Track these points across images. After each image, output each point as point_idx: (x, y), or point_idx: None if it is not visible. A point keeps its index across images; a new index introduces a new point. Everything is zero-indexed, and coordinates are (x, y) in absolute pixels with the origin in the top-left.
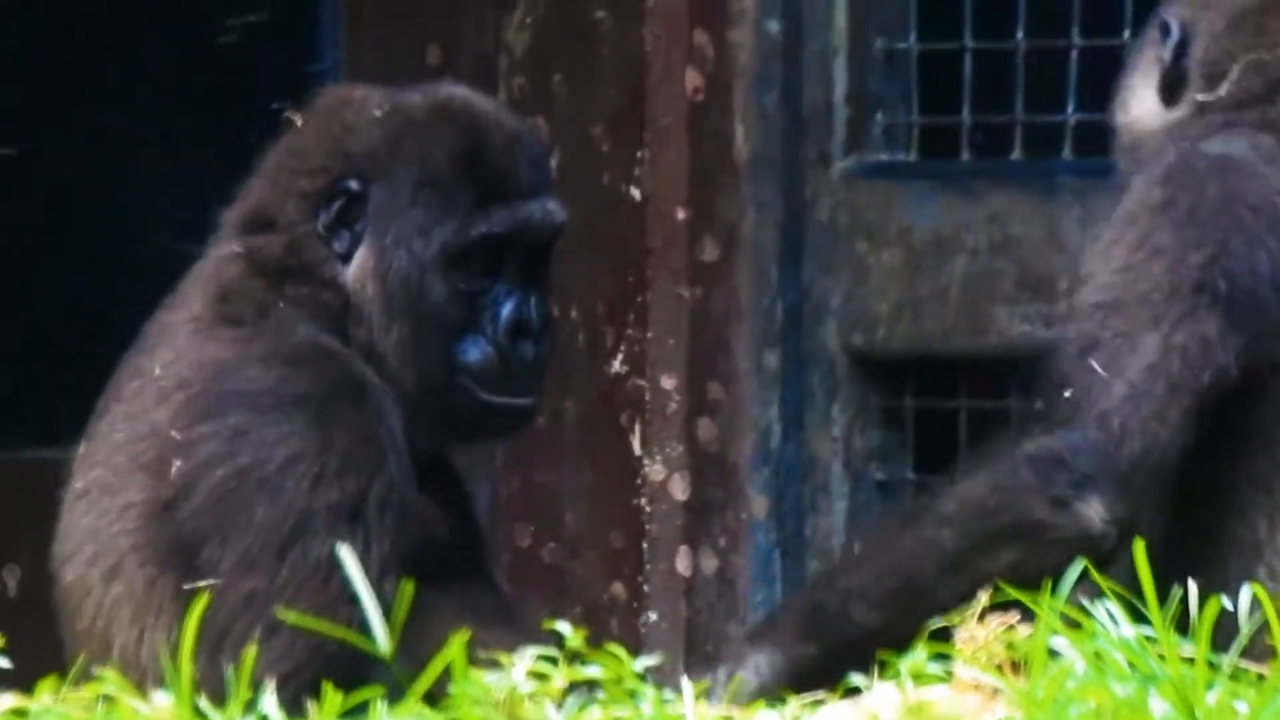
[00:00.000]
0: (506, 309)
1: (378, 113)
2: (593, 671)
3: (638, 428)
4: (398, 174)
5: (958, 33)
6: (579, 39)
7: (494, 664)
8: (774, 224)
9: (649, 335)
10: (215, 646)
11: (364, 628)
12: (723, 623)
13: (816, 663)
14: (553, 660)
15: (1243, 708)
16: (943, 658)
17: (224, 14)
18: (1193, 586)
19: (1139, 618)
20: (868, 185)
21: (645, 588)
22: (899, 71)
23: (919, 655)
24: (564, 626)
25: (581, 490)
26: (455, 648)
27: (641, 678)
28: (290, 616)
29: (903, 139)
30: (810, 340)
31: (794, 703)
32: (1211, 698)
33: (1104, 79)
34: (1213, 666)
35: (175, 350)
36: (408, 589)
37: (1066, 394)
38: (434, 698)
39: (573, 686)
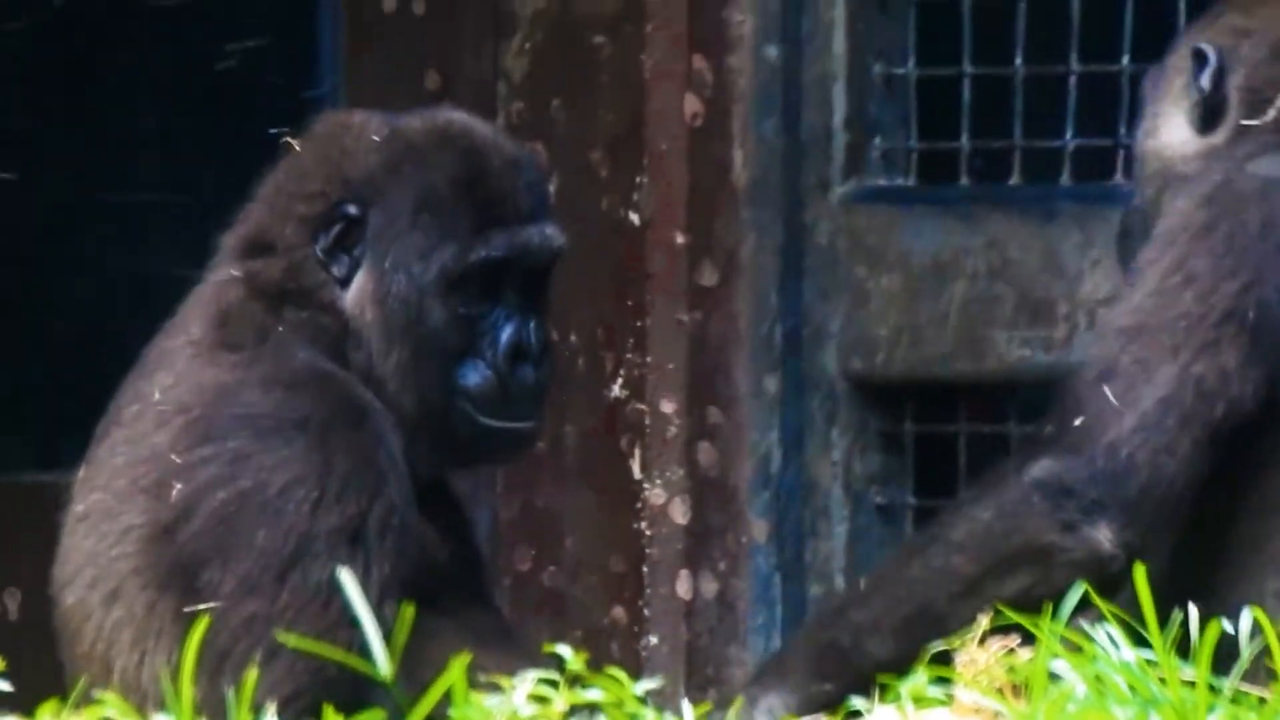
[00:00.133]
0: (506, 333)
1: (376, 137)
2: (593, 695)
3: (638, 452)
4: (396, 198)
5: (956, 58)
6: (578, 65)
7: (494, 687)
8: (773, 248)
9: (649, 359)
10: (216, 670)
11: (364, 651)
12: (723, 646)
13: (834, 700)
14: (553, 684)
15: None
16: (943, 681)
17: (223, 39)
18: (1193, 610)
19: (1140, 641)
20: (867, 210)
21: (646, 611)
22: (898, 97)
23: (920, 678)
24: (564, 650)
25: (582, 514)
26: (456, 671)
27: (642, 701)
28: (291, 640)
29: (902, 164)
30: (810, 364)
31: None
32: None
33: (1103, 104)
34: (1214, 690)
35: (175, 374)
36: (408, 612)
37: (1078, 420)
38: None
39: (573, 710)
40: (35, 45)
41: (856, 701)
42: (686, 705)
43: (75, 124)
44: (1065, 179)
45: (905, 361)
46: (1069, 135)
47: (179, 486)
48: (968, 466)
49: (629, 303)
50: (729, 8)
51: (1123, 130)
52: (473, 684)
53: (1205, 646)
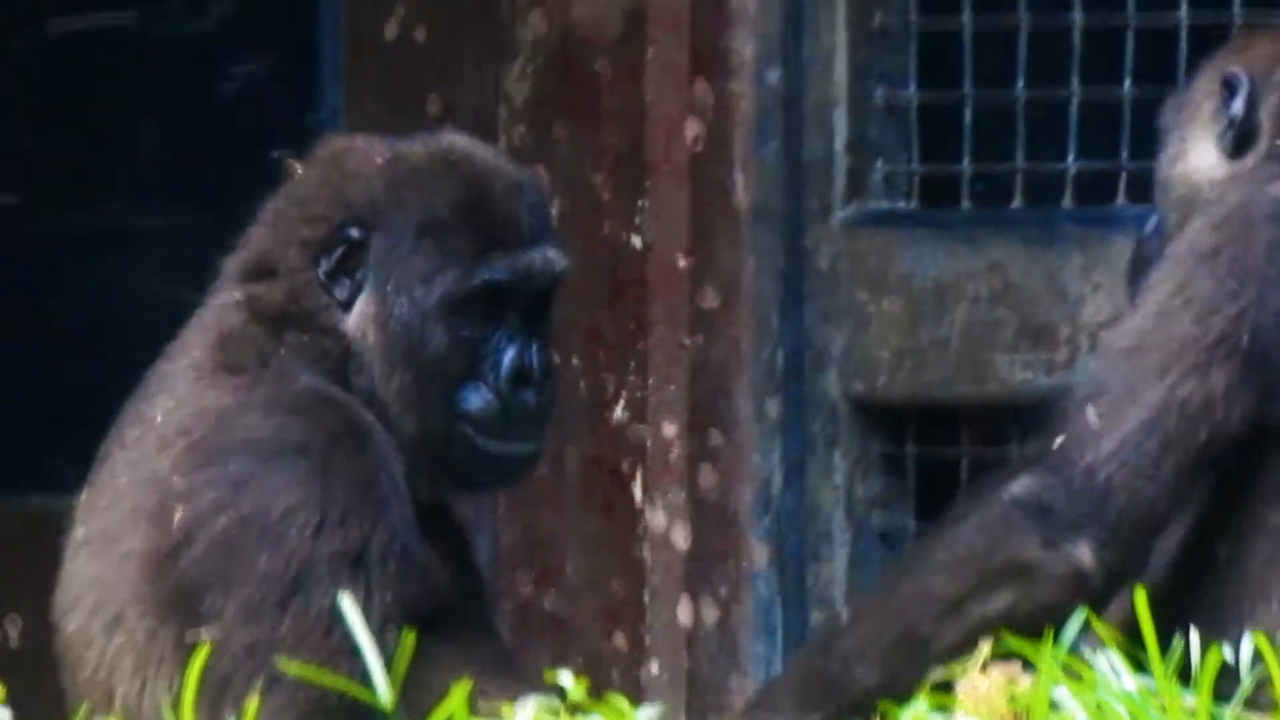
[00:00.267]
0: (508, 356)
1: (379, 161)
2: None
3: (639, 475)
4: (399, 222)
5: (958, 82)
6: (579, 89)
7: (495, 714)
8: (775, 272)
9: (650, 383)
10: (217, 697)
11: (365, 678)
12: (724, 673)
13: None
14: (554, 710)
15: None
16: (944, 709)
17: (225, 63)
18: (1194, 636)
19: (1141, 667)
20: (868, 234)
21: (646, 637)
22: (899, 120)
23: (920, 706)
24: (565, 676)
25: (582, 538)
26: (457, 698)
27: None
28: (292, 667)
29: (903, 188)
30: (811, 388)
31: None
32: None
33: (1104, 129)
34: (1214, 717)
35: (176, 398)
36: (409, 638)
37: (1059, 440)
38: None
39: None
40: (37, 69)
41: None
42: None
43: (77, 147)
44: (1067, 203)
45: (907, 385)
46: (1071, 159)
47: (180, 511)
48: (969, 490)
49: (630, 326)
50: (730, 32)
51: (1124, 154)
52: (473, 710)
53: (1206, 674)
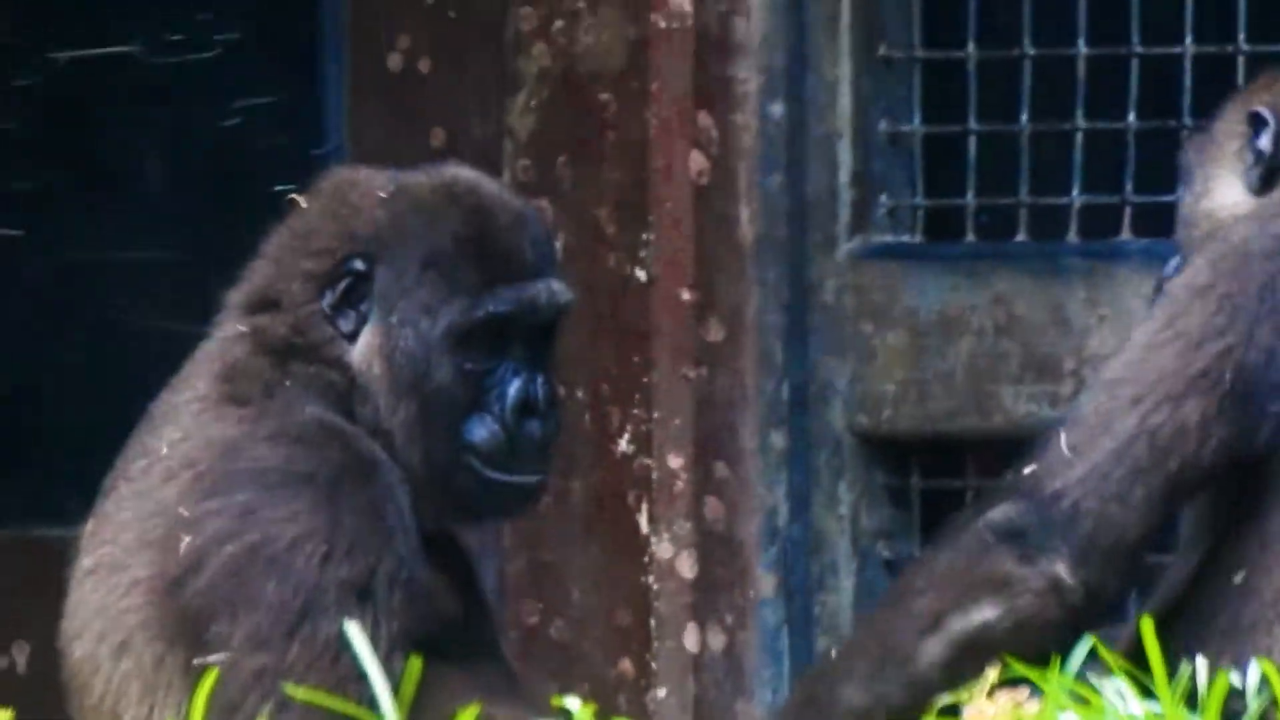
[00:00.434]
0: (513, 388)
1: (383, 194)
2: None
3: (645, 506)
4: (403, 254)
5: (962, 115)
6: (583, 122)
7: None
8: (779, 305)
9: (655, 415)
10: None
11: (373, 704)
12: (730, 700)
13: None
14: None
15: None
16: None
17: (228, 97)
18: (1201, 662)
19: (1149, 693)
20: (873, 267)
21: (653, 665)
22: (903, 154)
23: None
24: (572, 701)
25: (589, 568)
26: None
27: None
28: (300, 693)
29: (908, 221)
30: (816, 420)
31: None
32: None
33: (1109, 162)
34: None
35: (182, 429)
36: (416, 665)
37: (1032, 467)
38: None
39: None
40: (41, 102)
41: None
42: None
43: (81, 181)
44: (1071, 236)
45: (912, 417)
46: (1075, 192)
47: (187, 540)
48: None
49: (635, 359)
50: (734, 65)
51: (1129, 187)
52: None
53: (1213, 700)
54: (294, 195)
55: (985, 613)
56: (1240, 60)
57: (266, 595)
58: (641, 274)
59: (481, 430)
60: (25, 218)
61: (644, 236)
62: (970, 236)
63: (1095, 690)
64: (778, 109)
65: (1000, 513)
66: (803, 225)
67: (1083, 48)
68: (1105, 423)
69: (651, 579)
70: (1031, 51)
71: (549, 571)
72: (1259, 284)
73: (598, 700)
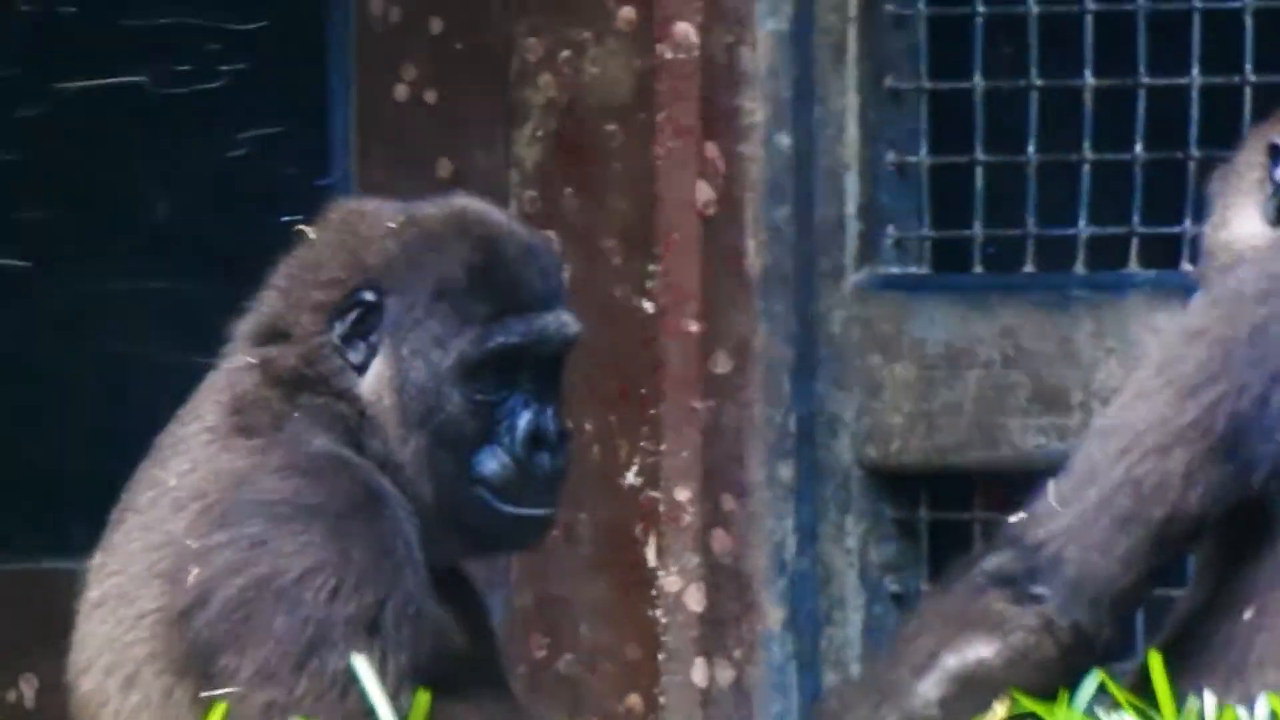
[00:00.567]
0: (523, 420)
1: (392, 225)
2: None
3: (652, 539)
4: (413, 286)
5: (969, 146)
6: (589, 153)
7: None
8: (786, 337)
9: (663, 448)
10: None
11: None
12: None
13: None
14: None
15: None
16: None
17: (234, 128)
18: (1209, 697)
19: None
20: (880, 298)
21: (661, 699)
22: (910, 185)
23: None
24: None
25: (597, 602)
26: None
27: None
28: None
29: (915, 252)
30: (824, 453)
31: None
32: None
33: (1116, 193)
34: None
35: (191, 460)
36: (424, 700)
37: (1019, 516)
38: None
39: None
40: (48, 133)
41: None
42: None
43: (87, 212)
44: (1079, 267)
45: (919, 450)
46: (1082, 224)
47: (196, 572)
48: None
49: (642, 391)
50: (741, 96)
51: (1136, 218)
52: None
53: None
54: (302, 226)
55: (980, 650)
56: (1247, 91)
57: (275, 628)
58: (648, 305)
59: (492, 462)
60: (32, 249)
61: (650, 268)
62: (978, 268)
63: None
64: (784, 140)
65: (993, 560)
66: (810, 256)
67: (1090, 79)
68: (1092, 473)
69: (659, 613)
70: (1038, 83)
71: (556, 605)
72: (1250, 328)
73: None
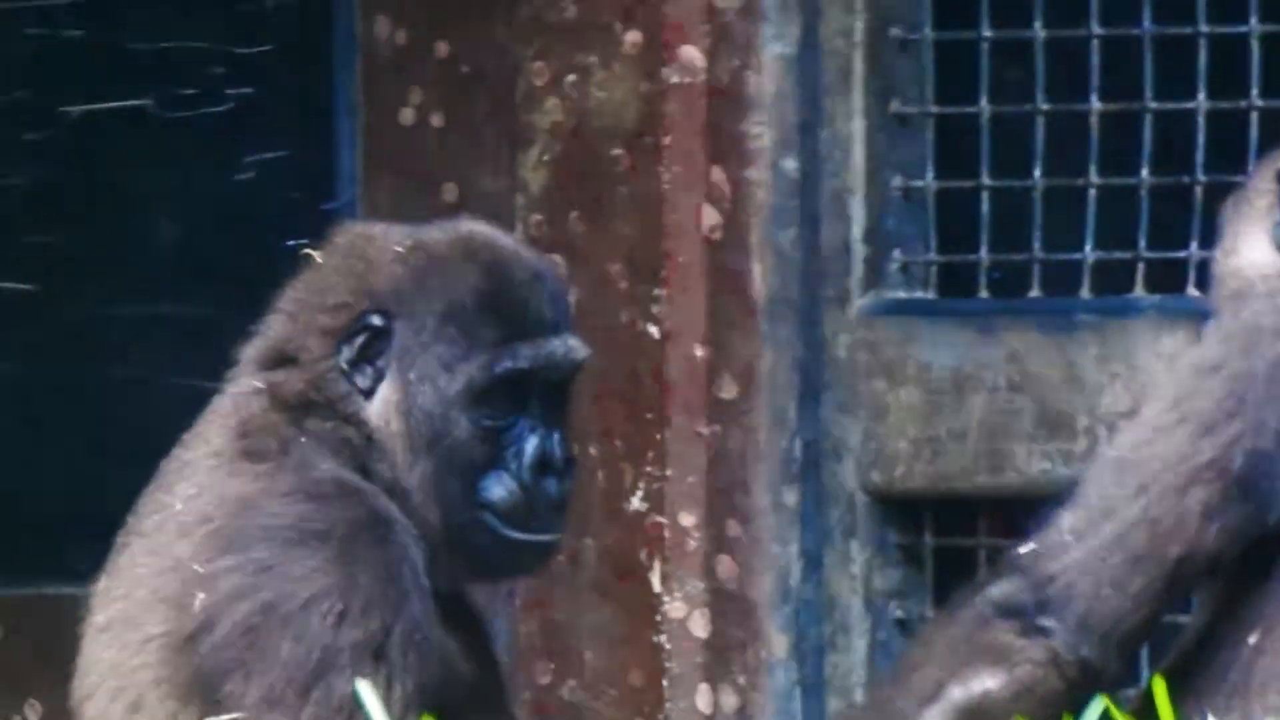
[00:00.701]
0: (530, 445)
1: (400, 249)
2: None
3: (657, 565)
4: (421, 310)
5: (975, 171)
6: (596, 177)
7: None
8: (792, 362)
9: (668, 473)
10: None
11: None
12: None
13: None
14: None
15: None
16: None
17: (241, 152)
18: None
19: None
20: (886, 323)
21: None
22: (916, 210)
23: None
24: None
25: (601, 628)
26: None
27: None
28: None
29: (920, 277)
30: (829, 478)
31: None
32: None
33: (1122, 218)
34: None
35: (196, 485)
36: None
37: (1031, 546)
38: None
39: None
40: (53, 157)
41: None
42: None
43: (93, 236)
44: (1085, 292)
45: (924, 475)
46: (1088, 249)
47: (201, 596)
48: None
49: (648, 416)
50: (747, 121)
51: (1142, 243)
52: None
53: None
54: (309, 249)
55: (986, 682)
56: (1253, 116)
57: (281, 654)
58: (654, 330)
59: (499, 488)
60: (38, 272)
61: (656, 292)
62: (983, 293)
63: None
64: (790, 164)
65: (999, 589)
66: (816, 281)
67: (1095, 103)
68: (1107, 508)
69: (664, 639)
70: (1044, 107)
71: (561, 631)
72: (1268, 363)
73: None
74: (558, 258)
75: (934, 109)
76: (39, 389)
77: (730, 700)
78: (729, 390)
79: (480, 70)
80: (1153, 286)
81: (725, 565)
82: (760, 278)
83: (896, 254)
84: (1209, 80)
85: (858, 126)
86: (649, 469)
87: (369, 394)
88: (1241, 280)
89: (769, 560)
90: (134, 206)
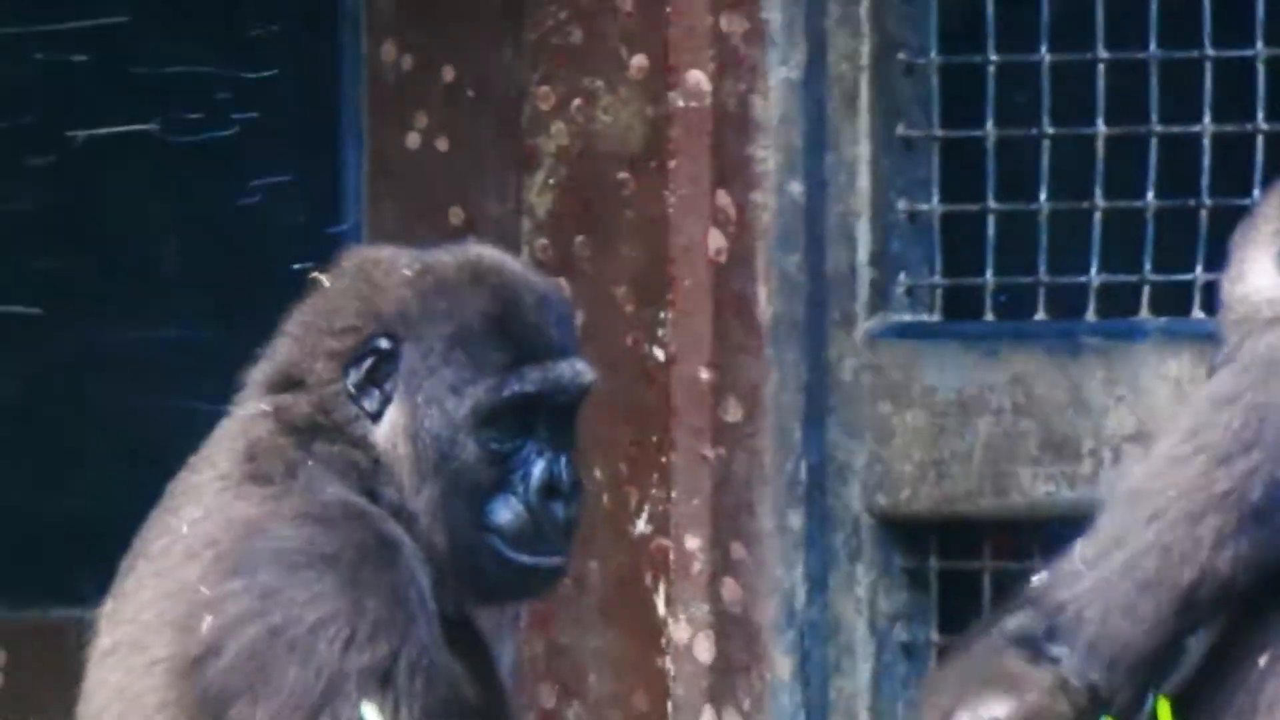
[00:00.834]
0: (538, 469)
1: (408, 272)
2: None
3: (662, 588)
4: (429, 334)
5: (980, 194)
6: (601, 201)
7: None
8: (797, 385)
9: (673, 496)
10: None
11: None
12: None
13: None
14: None
15: None
16: None
17: (246, 175)
18: None
19: None
20: (891, 346)
21: None
22: (922, 233)
23: None
24: None
25: (605, 651)
26: None
27: None
28: None
29: (926, 300)
30: (834, 501)
31: None
32: None
33: (1127, 241)
34: None
35: (203, 508)
36: None
37: (1043, 575)
38: None
39: None
40: (58, 181)
41: None
42: None
43: (98, 260)
44: (1090, 315)
45: (929, 498)
46: (1093, 272)
47: (208, 620)
48: (992, 603)
49: (653, 438)
50: (752, 144)
51: (1147, 266)
52: None
53: None
54: (317, 273)
55: (994, 709)
56: (1259, 139)
57: (288, 679)
58: (659, 353)
59: (505, 511)
60: (43, 296)
61: (662, 315)
62: (989, 316)
63: None
64: (796, 188)
65: (1014, 621)
66: (821, 304)
67: (1101, 127)
68: (1119, 537)
69: (668, 662)
70: (1050, 130)
71: (565, 654)
72: None
73: None
74: (563, 281)
75: (940, 132)
76: (44, 412)
77: None
78: (734, 413)
79: (486, 94)
80: (1158, 309)
81: (730, 588)
82: (765, 301)
83: (902, 277)
84: (1214, 104)
85: (863, 150)
86: (654, 491)
87: (376, 417)
88: (1249, 306)
89: (774, 583)
90: (140, 230)
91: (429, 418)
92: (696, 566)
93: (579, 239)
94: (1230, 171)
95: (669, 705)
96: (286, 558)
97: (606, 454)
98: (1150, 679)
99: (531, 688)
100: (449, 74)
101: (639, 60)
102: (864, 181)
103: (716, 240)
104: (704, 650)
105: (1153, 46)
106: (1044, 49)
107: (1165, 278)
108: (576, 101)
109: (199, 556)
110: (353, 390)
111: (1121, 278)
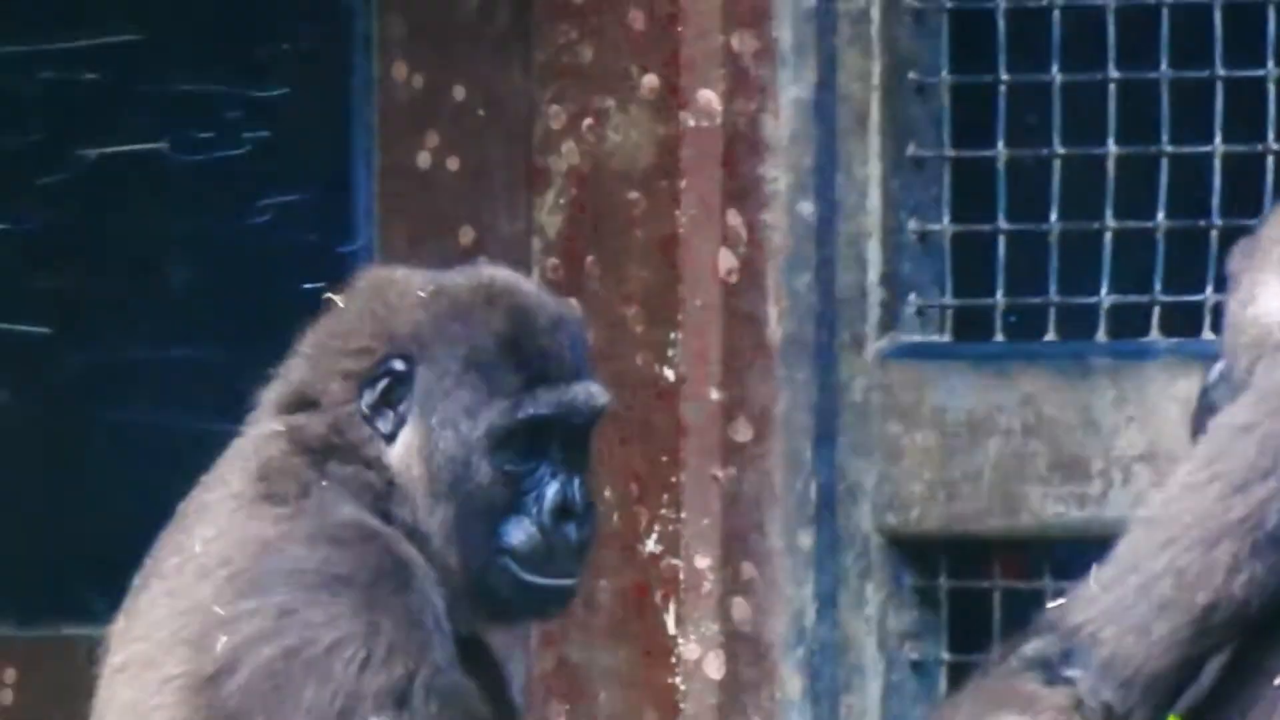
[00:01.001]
0: (551, 490)
1: (422, 294)
2: None
3: (672, 607)
4: (444, 355)
5: (991, 215)
6: (612, 221)
7: None
8: (807, 405)
9: (683, 515)
10: None
11: None
12: None
13: None
14: None
15: None
16: None
17: (256, 195)
18: None
19: None
20: (901, 367)
21: None
22: (932, 253)
23: None
24: None
25: (616, 669)
26: None
27: None
28: None
29: (936, 320)
30: (844, 521)
31: None
32: None
33: (1137, 262)
34: None
35: (216, 527)
36: None
37: (1060, 602)
38: None
39: None
40: (67, 200)
41: None
42: None
43: (108, 279)
44: (1100, 336)
45: (939, 518)
46: (1104, 292)
47: (223, 639)
48: (1002, 623)
49: (663, 458)
50: (763, 164)
51: (1158, 287)
52: None
53: None
54: (330, 293)
55: None
56: (1270, 159)
57: (304, 699)
58: (670, 373)
59: (519, 533)
60: (53, 316)
61: (672, 335)
62: (999, 336)
63: None
64: (807, 208)
65: (1032, 646)
66: (831, 325)
67: (1112, 147)
68: (1135, 561)
69: (678, 680)
70: (1060, 151)
71: (576, 672)
72: None
73: None
74: (574, 301)
75: (950, 153)
76: (55, 432)
77: None
78: (744, 433)
79: (497, 114)
80: (1168, 330)
81: (740, 607)
82: (776, 321)
83: (912, 297)
84: (1225, 124)
85: (874, 170)
86: (664, 511)
87: (390, 438)
88: (1260, 329)
89: (784, 602)
90: (150, 250)
91: (443, 439)
92: (706, 585)
93: (589, 259)
94: (1241, 192)
95: None
96: (302, 578)
97: (616, 474)
98: (1164, 700)
99: (542, 706)
100: (460, 93)
101: (650, 80)
102: (874, 201)
103: (727, 260)
104: (714, 669)
105: (1164, 67)
106: (1055, 69)
107: (1175, 298)
108: (587, 121)
109: (212, 575)
110: (367, 411)
111: (1132, 298)
